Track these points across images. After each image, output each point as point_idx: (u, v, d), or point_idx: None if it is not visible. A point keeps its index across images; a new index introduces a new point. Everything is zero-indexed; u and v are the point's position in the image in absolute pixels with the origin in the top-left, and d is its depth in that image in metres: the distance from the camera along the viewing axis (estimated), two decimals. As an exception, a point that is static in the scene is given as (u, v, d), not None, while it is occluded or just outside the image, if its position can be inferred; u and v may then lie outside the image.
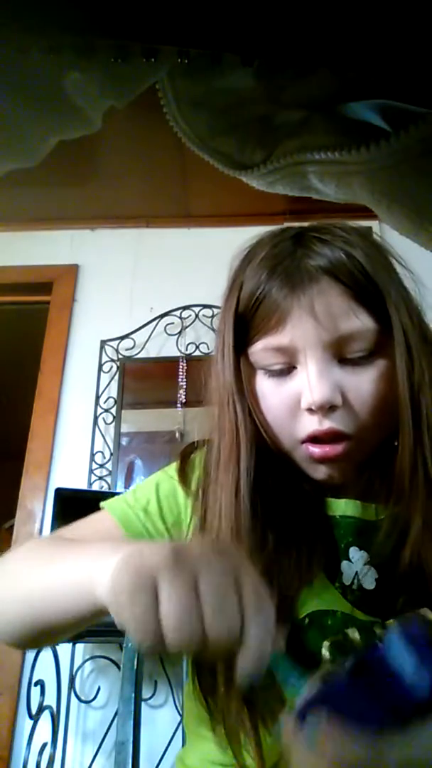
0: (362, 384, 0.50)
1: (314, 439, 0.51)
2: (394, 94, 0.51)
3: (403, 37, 0.44)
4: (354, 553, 0.52)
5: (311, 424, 0.50)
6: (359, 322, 0.50)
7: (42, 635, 0.48)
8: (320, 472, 0.53)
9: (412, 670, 0.28)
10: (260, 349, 0.52)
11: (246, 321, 0.54)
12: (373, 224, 2.35)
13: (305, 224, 0.57)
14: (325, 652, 0.47)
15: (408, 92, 0.50)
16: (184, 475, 0.60)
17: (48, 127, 0.55)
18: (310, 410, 0.50)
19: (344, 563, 0.52)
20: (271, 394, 0.53)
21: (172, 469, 0.62)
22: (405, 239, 0.66)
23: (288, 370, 0.52)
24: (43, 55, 0.45)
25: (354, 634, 0.47)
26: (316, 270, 0.51)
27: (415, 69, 0.47)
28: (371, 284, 0.51)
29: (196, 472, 0.60)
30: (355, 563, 0.52)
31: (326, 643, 0.47)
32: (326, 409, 0.49)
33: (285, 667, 0.31)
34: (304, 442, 0.51)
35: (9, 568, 0.52)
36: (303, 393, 0.50)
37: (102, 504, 0.61)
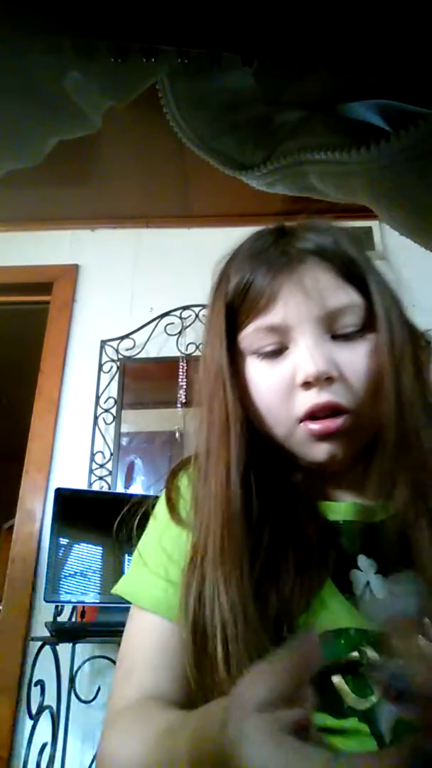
0: (356, 358, 0.51)
1: (312, 416, 0.50)
2: (394, 94, 0.51)
3: (402, 37, 0.44)
4: (363, 561, 0.50)
5: (308, 399, 0.50)
6: (347, 297, 0.52)
7: None
8: (322, 451, 0.51)
9: None
10: (252, 332, 0.53)
11: (234, 310, 0.54)
12: (373, 224, 2.34)
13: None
14: (337, 680, 0.45)
15: (408, 92, 0.50)
16: (172, 505, 0.57)
17: (48, 127, 0.55)
18: (306, 385, 0.50)
19: (354, 572, 0.50)
20: (264, 376, 0.53)
21: (162, 505, 0.59)
22: (405, 239, 0.66)
23: (280, 350, 0.52)
24: (43, 55, 0.45)
25: (371, 652, 0.45)
26: (302, 251, 0.53)
27: (415, 69, 0.47)
28: (354, 265, 0.53)
29: (181, 493, 0.58)
30: (366, 572, 0.50)
31: (343, 662, 0.45)
32: (323, 381, 0.49)
33: None
34: (302, 420, 0.51)
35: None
36: (298, 368, 0.50)
37: (130, 599, 0.56)
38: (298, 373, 0.50)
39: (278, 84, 0.56)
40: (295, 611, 0.46)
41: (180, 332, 2.10)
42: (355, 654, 0.45)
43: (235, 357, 0.54)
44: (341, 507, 0.54)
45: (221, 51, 0.46)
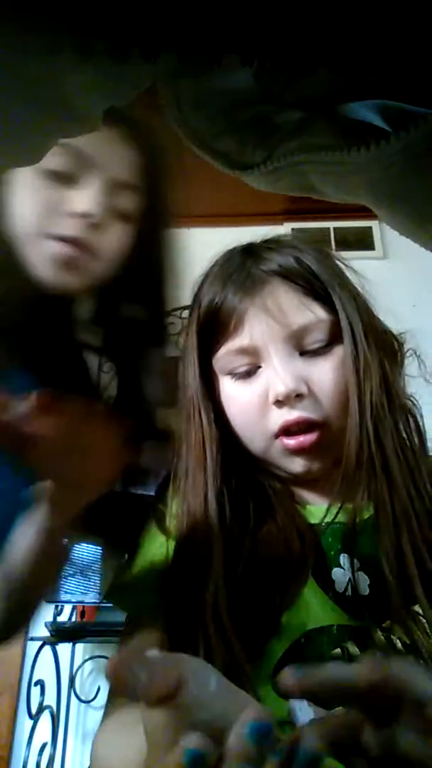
0: (324, 372, 0.53)
1: (287, 432, 0.52)
2: (394, 94, 0.51)
3: (402, 37, 0.44)
4: (344, 560, 0.52)
5: (281, 416, 0.52)
6: (312, 314, 0.54)
7: None
8: (298, 465, 0.54)
9: None
10: (224, 354, 0.56)
11: (207, 332, 0.57)
12: (373, 224, 2.34)
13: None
14: None
15: (408, 92, 0.50)
16: (158, 515, 0.60)
17: (48, 127, 0.55)
18: (278, 403, 0.52)
19: (336, 570, 0.51)
20: (239, 396, 0.55)
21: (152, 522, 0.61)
22: (405, 239, 0.66)
23: (253, 370, 0.55)
24: (42, 55, 0.45)
25: (353, 648, 0.47)
26: (266, 273, 0.55)
27: (415, 69, 0.47)
28: (318, 281, 0.55)
29: (168, 503, 0.59)
30: (348, 570, 0.51)
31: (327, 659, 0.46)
32: (293, 398, 0.51)
33: None
34: (278, 436, 0.53)
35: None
36: (270, 387, 0.53)
37: (117, 604, 0.59)
38: (270, 392, 0.53)
39: (278, 84, 0.56)
40: (276, 612, 0.48)
41: (180, 332, 2.10)
42: (338, 651, 0.47)
43: (210, 378, 0.57)
44: (320, 510, 0.55)
45: (221, 51, 0.46)
